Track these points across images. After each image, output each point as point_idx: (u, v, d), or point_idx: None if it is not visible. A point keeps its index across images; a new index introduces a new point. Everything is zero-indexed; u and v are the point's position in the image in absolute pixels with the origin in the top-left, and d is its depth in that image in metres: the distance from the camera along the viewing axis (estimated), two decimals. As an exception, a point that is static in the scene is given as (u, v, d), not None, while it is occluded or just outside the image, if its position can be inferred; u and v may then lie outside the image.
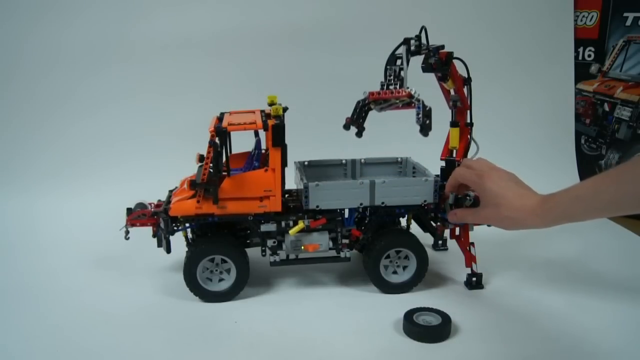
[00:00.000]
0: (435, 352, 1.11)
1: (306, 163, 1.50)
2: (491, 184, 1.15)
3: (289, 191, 1.45)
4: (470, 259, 1.39)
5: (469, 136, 1.41)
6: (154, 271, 1.48)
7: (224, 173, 1.26)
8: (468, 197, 1.30)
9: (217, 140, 1.23)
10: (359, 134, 1.37)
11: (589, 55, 2.10)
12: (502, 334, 1.16)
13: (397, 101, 1.29)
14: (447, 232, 1.47)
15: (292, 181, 1.46)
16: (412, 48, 1.29)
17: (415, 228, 1.44)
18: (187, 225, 1.34)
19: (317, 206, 1.30)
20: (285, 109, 1.37)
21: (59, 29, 2.00)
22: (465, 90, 1.36)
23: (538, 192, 1.12)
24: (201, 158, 1.25)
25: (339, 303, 1.31)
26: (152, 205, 1.41)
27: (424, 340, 1.14)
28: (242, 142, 1.41)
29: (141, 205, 1.39)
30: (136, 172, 1.98)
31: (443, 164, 1.41)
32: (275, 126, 1.25)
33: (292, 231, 1.30)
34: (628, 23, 1.97)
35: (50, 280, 1.45)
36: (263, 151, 1.39)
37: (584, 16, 2.09)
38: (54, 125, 2.04)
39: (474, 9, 2.10)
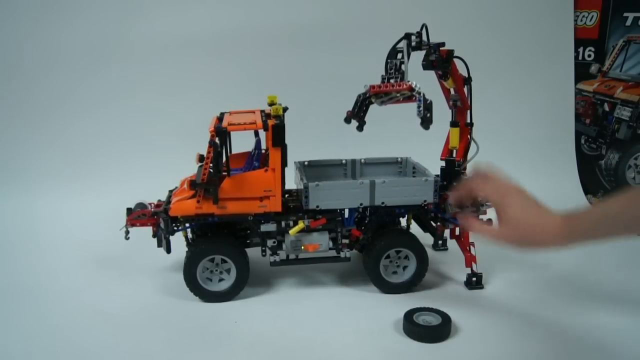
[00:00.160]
0: (435, 352, 1.11)
1: (306, 163, 1.49)
2: (514, 201, 1.08)
3: (289, 191, 1.45)
4: (470, 259, 1.39)
5: (469, 136, 1.41)
6: (154, 271, 1.48)
7: (224, 173, 1.26)
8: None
9: (217, 140, 1.23)
10: (360, 127, 1.36)
11: (589, 55, 2.10)
12: (502, 334, 1.16)
13: (398, 94, 1.28)
14: (447, 232, 1.47)
15: (292, 181, 1.46)
16: (413, 44, 1.29)
17: (415, 228, 1.44)
18: (187, 225, 1.34)
19: (317, 206, 1.30)
20: (285, 109, 1.37)
21: (59, 29, 2.00)
22: (465, 90, 1.36)
23: (537, 191, 1.11)
24: (201, 158, 1.25)
25: (339, 303, 1.31)
26: (152, 205, 1.41)
27: (424, 340, 1.14)
28: (242, 142, 1.41)
29: (141, 205, 1.39)
30: (136, 172, 1.98)
31: (443, 164, 1.41)
32: (275, 126, 1.25)
33: (292, 231, 1.30)
34: (628, 23, 1.97)
35: (50, 280, 1.45)
36: (263, 151, 1.39)
37: (584, 16, 2.09)
38: (54, 125, 2.04)
39: (474, 9, 2.10)
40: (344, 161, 1.53)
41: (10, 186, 1.97)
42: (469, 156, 1.43)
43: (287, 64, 2.07)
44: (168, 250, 1.36)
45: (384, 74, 1.31)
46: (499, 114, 2.10)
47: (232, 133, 1.29)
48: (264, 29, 2.06)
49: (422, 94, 1.25)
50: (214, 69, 2.07)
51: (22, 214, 1.88)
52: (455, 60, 1.32)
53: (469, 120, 1.40)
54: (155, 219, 1.36)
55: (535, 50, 2.14)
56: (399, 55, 1.29)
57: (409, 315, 1.18)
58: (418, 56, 1.32)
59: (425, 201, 1.34)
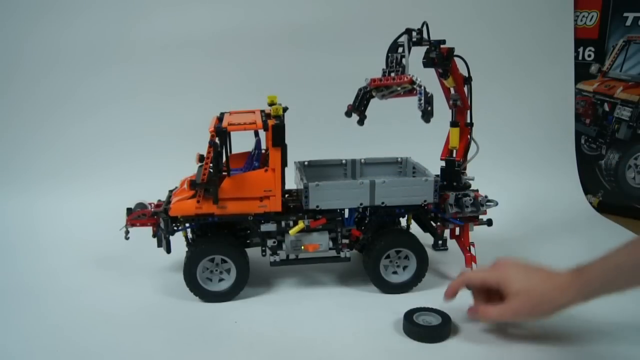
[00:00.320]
0: (435, 352, 1.11)
1: (306, 163, 1.50)
2: (515, 275, 1.07)
3: (289, 191, 1.45)
4: (470, 259, 1.39)
5: (469, 136, 1.41)
6: (154, 271, 1.48)
7: (224, 173, 1.26)
8: (468, 197, 1.30)
9: (217, 140, 1.23)
10: (361, 121, 1.36)
11: (589, 55, 2.10)
12: (502, 334, 1.16)
13: (399, 88, 1.29)
14: (447, 232, 1.47)
15: (292, 181, 1.46)
16: (414, 39, 1.29)
17: (415, 228, 1.44)
18: (187, 225, 1.34)
19: (317, 206, 1.30)
20: (285, 109, 1.37)
21: (59, 29, 2.00)
22: (465, 89, 1.37)
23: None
24: (201, 158, 1.25)
25: (339, 303, 1.31)
26: (152, 205, 1.41)
27: (424, 340, 1.14)
28: (242, 142, 1.41)
29: (141, 205, 1.39)
30: (136, 172, 1.98)
31: (443, 164, 1.41)
32: (275, 126, 1.25)
33: (292, 231, 1.30)
34: (628, 23, 1.97)
35: (50, 280, 1.45)
36: (263, 151, 1.39)
37: (584, 16, 2.09)
38: (54, 125, 2.04)
39: (474, 9, 2.10)
40: (344, 161, 1.53)
41: (10, 186, 1.97)
42: (469, 156, 1.43)
43: (287, 64, 2.07)
44: (168, 250, 1.36)
45: (384, 67, 1.31)
46: (499, 114, 2.10)
47: (232, 133, 1.29)
48: (264, 29, 2.06)
49: (423, 87, 1.25)
50: (214, 69, 2.07)
51: (22, 214, 1.88)
52: (456, 59, 1.33)
53: (469, 120, 1.40)
54: (155, 219, 1.36)
55: (535, 50, 2.14)
56: (400, 50, 1.30)
57: (409, 315, 1.18)
58: (419, 54, 1.32)
59: (425, 201, 1.34)
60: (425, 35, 1.30)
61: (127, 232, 1.38)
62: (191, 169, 1.36)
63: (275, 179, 1.27)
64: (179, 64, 2.06)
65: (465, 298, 1.33)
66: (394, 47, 1.30)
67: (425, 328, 1.15)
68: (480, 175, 1.45)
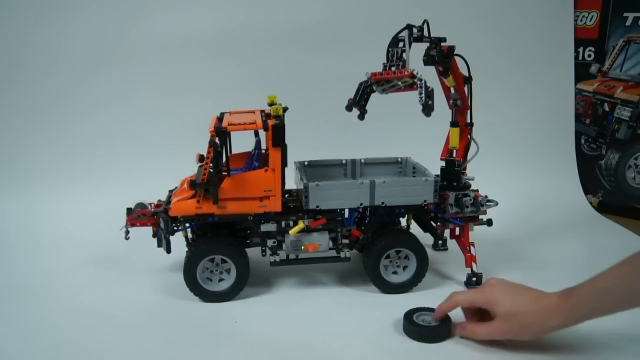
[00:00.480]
0: (435, 352, 1.11)
1: (306, 163, 1.50)
2: (501, 297, 1.07)
3: (289, 191, 1.45)
4: (470, 259, 1.39)
5: (469, 136, 1.41)
6: (154, 271, 1.48)
7: (224, 173, 1.26)
8: (468, 197, 1.30)
9: (217, 140, 1.23)
10: (361, 116, 1.36)
11: (589, 55, 2.10)
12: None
13: (399, 82, 1.28)
14: (447, 232, 1.47)
15: (292, 181, 1.46)
16: (414, 35, 1.29)
17: (415, 228, 1.44)
18: (187, 225, 1.34)
19: (317, 206, 1.30)
20: (285, 109, 1.37)
21: (59, 29, 2.00)
22: (465, 89, 1.37)
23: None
24: (201, 158, 1.25)
25: (339, 303, 1.31)
26: (152, 205, 1.41)
27: (424, 340, 1.14)
28: (242, 142, 1.41)
29: (141, 205, 1.39)
30: (136, 172, 1.98)
31: (443, 164, 1.41)
32: (275, 126, 1.25)
33: (292, 231, 1.30)
34: (628, 23, 1.97)
35: (50, 280, 1.45)
36: (263, 151, 1.39)
37: (584, 16, 2.09)
38: (54, 125, 2.04)
39: (474, 9, 2.10)
40: (344, 161, 1.53)
41: (10, 186, 1.97)
42: (469, 156, 1.43)
43: (287, 64, 2.07)
44: (168, 250, 1.36)
45: (385, 62, 1.31)
46: (499, 114, 2.10)
47: (232, 133, 1.29)
48: (264, 29, 2.06)
49: (423, 81, 1.25)
50: (214, 69, 2.07)
51: (22, 214, 1.88)
52: (456, 58, 1.33)
53: (469, 120, 1.40)
54: (155, 219, 1.36)
55: (536, 50, 2.14)
56: (401, 44, 1.30)
57: (408, 315, 1.18)
58: (419, 51, 1.32)
59: (425, 201, 1.34)
60: (425, 32, 1.30)
61: (127, 232, 1.38)
62: (191, 169, 1.36)
63: (275, 179, 1.27)
64: (179, 64, 2.06)
65: (465, 298, 1.33)
66: (395, 41, 1.30)
67: (425, 328, 1.15)
68: (480, 175, 1.45)
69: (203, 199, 1.27)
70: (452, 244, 1.49)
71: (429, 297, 1.32)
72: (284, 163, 1.31)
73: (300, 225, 1.31)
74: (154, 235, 1.37)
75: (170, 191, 1.43)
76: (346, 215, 1.35)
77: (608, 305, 0.98)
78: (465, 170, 1.43)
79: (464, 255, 1.41)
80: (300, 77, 2.07)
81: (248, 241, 1.41)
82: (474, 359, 1.09)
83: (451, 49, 1.30)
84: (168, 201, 1.36)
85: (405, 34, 1.29)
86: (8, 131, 2.02)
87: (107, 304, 1.32)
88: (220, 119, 1.34)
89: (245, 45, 2.06)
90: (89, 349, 1.13)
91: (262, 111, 1.39)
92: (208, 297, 1.32)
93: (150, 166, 1.97)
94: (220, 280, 1.33)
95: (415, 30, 1.29)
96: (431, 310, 1.20)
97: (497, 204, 1.40)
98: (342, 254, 1.37)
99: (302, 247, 1.32)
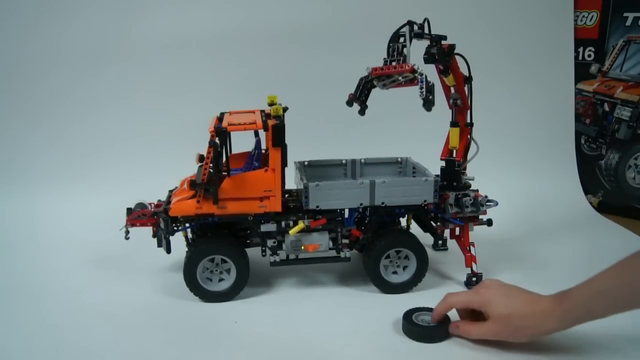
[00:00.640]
0: (435, 352, 1.11)
1: (306, 163, 1.50)
2: (495, 298, 1.07)
3: (289, 191, 1.45)
4: (470, 259, 1.39)
5: (469, 136, 1.41)
6: (154, 271, 1.48)
7: (224, 173, 1.26)
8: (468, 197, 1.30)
9: (217, 140, 1.23)
10: (362, 111, 1.36)
11: (589, 55, 2.10)
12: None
13: (400, 77, 1.28)
14: (447, 232, 1.47)
15: (292, 181, 1.46)
16: (415, 31, 1.29)
17: (415, 228, 1.44)
18: (187, 225, 1.34)
19: (317, 206, 1.30)
20: (285, 109, 1.37)
21: (59, 29, 2.00)
22: (465, 89, 1.37)
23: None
24: (201, 158, 1.25)
25: (339, 303, 1.31)
26: (152, 205, 1.41)
27: (424, 340, 1.14)
28: (242, 142, 1.41)
29: (141, 205, 1.39)
30: (136, 172, 1.98)
31: (443, 164, 1.41)
32: (275, 126, 1.25)
33: (292, 231, 1.30)
34: (628, 23, 1.97)
35: (50, 280, 1.45)
36: (263, 151, 1.39)
37: (584, 16, 2.09)
38: (54, 125, 2.04)
39: (474, 9, 2.10)
40: (344, 161, 1.53)
41: (10, 186, 1.97)
42: (469, 156, 1.43)
43: (287, 64, 2.07)
44: (168, 250, 1.36)
45: (385, 57, 1.31)
46: (499, 114, 2.10)
47: (232, 133, 1.29)
48: (264, 29, 2.06)
49: (424, 76, 1.25)
50: (214, 69, 2.07)
51: (22, 214, 1.88)
52: (457, 57, 1.32)
53: (469, 120, 1.40)
54: (155, 219, 1.36)
55: (535, 50, 2.14)
56: (401, 40, 1.30)
57: (408, 315, 1.18)
58: (420, 49, 1.32)
59: (425, 201, 1.34)
60: (426, 30, 1.30)
61: (127, 232, 1.38)
62: (191, 169, 1.36)
63: (275, 179, 1.27)
64: (179, 64, 2.06)
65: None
66: (396, 37, 1.30)
67: (424, 328, 1.15)
68: (480, 175, 1.45)
69: (203, 199, 1.27)
70: (452, 244, 1.49)
71: (428, 297, 1.32)
72: (284, 163, 1.31)
73: (300, 225, 1.31)
74: (154, 235, 1.37)
75: (170, 191, 1.43)
76: (346, 215, 1.35)
77: (603, 308, 0.98)
78: (465, 170, 1.43)
79: (464, 255, 1.41)
80: (300, 77, 2.07)
81: (248, 241, 1.41)
82: (473, 359, 1.09)
83: (451, 47, 1.30)
84: (168, 201, 1.36)
85: (406, 29, 1.29)
86: (8, 131, 2.03)
87: (107, 304, 1.32)
88: (220, 119, 1.34)
89: (245, 46, 2.06)
90: (89, 349, 1.13)
91: (262, 111, 1.39)
92: (208, 297, 1.32)
93: (150, 166, 1.97)
94: (220, 280, 1.33)
95: (416, 27, 1.29)
96: (430, 310, 1.20)
97: (497, 204, 1.40)
98: (342, 254, 1.37)
99: (302, 247, 1.32)
